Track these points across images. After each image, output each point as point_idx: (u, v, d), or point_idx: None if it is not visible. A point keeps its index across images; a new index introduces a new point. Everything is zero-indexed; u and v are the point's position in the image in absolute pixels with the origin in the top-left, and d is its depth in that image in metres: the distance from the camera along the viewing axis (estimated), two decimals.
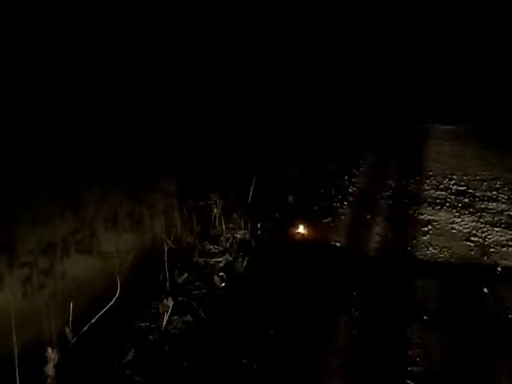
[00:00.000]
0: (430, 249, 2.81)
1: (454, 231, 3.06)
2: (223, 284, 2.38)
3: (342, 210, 3.43)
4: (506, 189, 3.79)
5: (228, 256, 2.61)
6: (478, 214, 3.32)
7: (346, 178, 4.11)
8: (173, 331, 2.00)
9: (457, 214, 3.32)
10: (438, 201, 3.56)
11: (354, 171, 4.30)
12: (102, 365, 1.74)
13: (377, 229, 3.10)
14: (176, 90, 2.46)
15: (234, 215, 2.96)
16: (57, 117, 1.70)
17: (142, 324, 2.01)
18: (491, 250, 2.80)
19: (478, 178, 4.07)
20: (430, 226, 3.12)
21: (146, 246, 2.32)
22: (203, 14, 2.66)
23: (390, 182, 4.01)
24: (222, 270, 2.50)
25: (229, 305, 2.22)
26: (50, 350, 1.61)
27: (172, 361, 1.83)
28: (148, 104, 2.24)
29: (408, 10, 6.18)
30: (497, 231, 3.03)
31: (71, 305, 1.75)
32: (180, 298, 2.20)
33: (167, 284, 2.26)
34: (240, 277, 2.46)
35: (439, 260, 2.69)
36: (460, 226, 3.13)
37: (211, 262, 2.56)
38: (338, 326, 2.06)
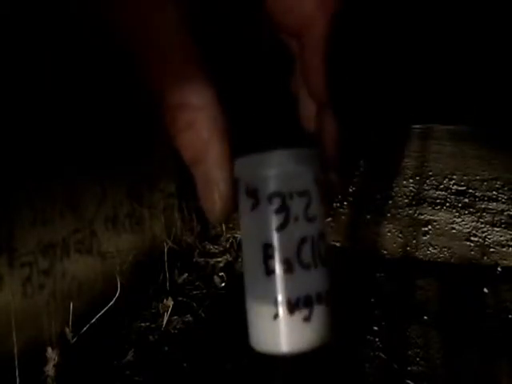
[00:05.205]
0: (430, 249, 2.81)
1: (453, 231, 3.06)
2: (223, 284, 2.38)
3: (342, 209, 3.43)
4: (506, 189, 3.79)
5: (228, 256, 2.62)
6: (478, 213, 3.32)
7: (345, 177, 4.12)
8: (173, 331, 2.00)
9: (457, 214, 3.33)
10: (438, 201, 3.56)
11: (354, 171, 4.30)
12: (102, 365, 1.74)
13: (377, 229, 3.10)
14: None
15: (234, 215, 2.96)
16: (57, 117, 1.70)
17: (142, 324, 2.02)
18: (491, 250, 2.80)
19: (477, 178, 4.07)
20: (429, 226, 3.12)
21: (146, 245, 2.32)
22: None
23: (390, 181, 4.01)
24: (222, 270, 2.50)
25: (229, 305, 2.22)
26: (49, 349, 1.61)
27: (172, 361, 1.83)
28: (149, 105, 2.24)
29: (405, 10, 6.19)
30: (497, 231, 3.04)
31: (71, 305, 1.75)
32: (180, 298, 2.20)
33: (167, 284, 2.26)
34: (240, 277, 2.45)
35: (439, 260, 2.69)
36: (460, 226, 3.13)
37: (211, 262, 2.56)
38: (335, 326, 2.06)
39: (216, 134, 0.27)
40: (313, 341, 0.28)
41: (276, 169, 0.28)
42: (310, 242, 0.28)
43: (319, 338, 0.28)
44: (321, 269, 0.28)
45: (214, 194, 0.28)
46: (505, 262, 2.65)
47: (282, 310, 0.28)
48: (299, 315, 0.28)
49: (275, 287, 0.28)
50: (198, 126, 0.26)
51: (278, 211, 0.28)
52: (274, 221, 0.28)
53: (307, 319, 0.28)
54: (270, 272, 0.28)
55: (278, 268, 0.28)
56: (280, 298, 0.28)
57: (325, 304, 0.29)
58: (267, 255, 0.28)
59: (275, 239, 0.28)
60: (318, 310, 0.28)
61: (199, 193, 0.28)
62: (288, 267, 0.28)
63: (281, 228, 0.28)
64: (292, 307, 0.28)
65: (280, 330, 0.28)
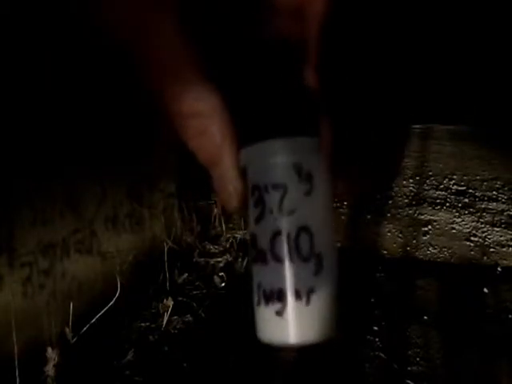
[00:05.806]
0: (430, 249, 2.81)
1: (453, 231, 3.06)
2: (223, 284, 2.38)
3: (342, 209, 3.43)
4: (506, 189, 3.79)
5: (228, 256, 2.62)
6: (478, 213, 3.32)
7: None
8: (173, 331, 2.00)
9: (457, 213, 3.33)
10: (437, 201, 3.56)
11: (354, 172, 4.30)
12: (102, 365, 1.74)
13: (377, 229, 3.10)
14: None
15: (234, 215, 2.96)
16: (57, 117, 1.70)
17: (142, 324, 2.02)
18: (491, 250, 2.80)
19: (478, 178, 4.07)
20: (429, 226, 3.12)
21: (146, 246, 2.32)
22: None
23: (390, 182, 4.01)
24: (222, 270, 2.50)
25: (229, 305, 2.22)
26: (49, 349, 1.61)
27: (172, 361, 1.83)
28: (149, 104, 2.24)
29: (406, 9, 6.19)
30: (497, 231, 3.04)
31: (71, 305, 1.75)
32: (180, 298, 2.20)
33: (167, 284, 2.26)
34: (240, 277, 2.46)
35: (439, 260, 2.69)
36: (460, 226, 3.13)
37: (211, 262, 2.56)
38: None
39: (227, 138, 0.28)
40: (284, 337, 0.28)
41: (254, 162, 0.28)
42: (284, 236, 0.27)
43: (290, 335, 0.28)
44: (299, 265, 0.28)
45: (230, 189, 0.29)
46: (505, 261, 2.65)
47: (259, 300, 0.29)
48: (272, 307, 0.28)
49: (255, 276, 0.29)
50: (210, 132, 0.28)
51: (256, 204, 0.28)
52: (254, 213, 0.29)
53: (279, 313, 0.28)
54: (253, 261, 0.29)
55: (256, 258, 0.29)
56: (257, 287, 0.29)
57: (305, 302, 0.28)
58: (251, 245, 0.29)
59: (255, 231, 0.29)
60: (294, 307, 0.28)
61: (216, 189, 0.30)
62: (263, 259, 0.28)
63: (258, 220, 0.28)
64: (267, 298, 0.28)
65: (258, 318, 0.29)
